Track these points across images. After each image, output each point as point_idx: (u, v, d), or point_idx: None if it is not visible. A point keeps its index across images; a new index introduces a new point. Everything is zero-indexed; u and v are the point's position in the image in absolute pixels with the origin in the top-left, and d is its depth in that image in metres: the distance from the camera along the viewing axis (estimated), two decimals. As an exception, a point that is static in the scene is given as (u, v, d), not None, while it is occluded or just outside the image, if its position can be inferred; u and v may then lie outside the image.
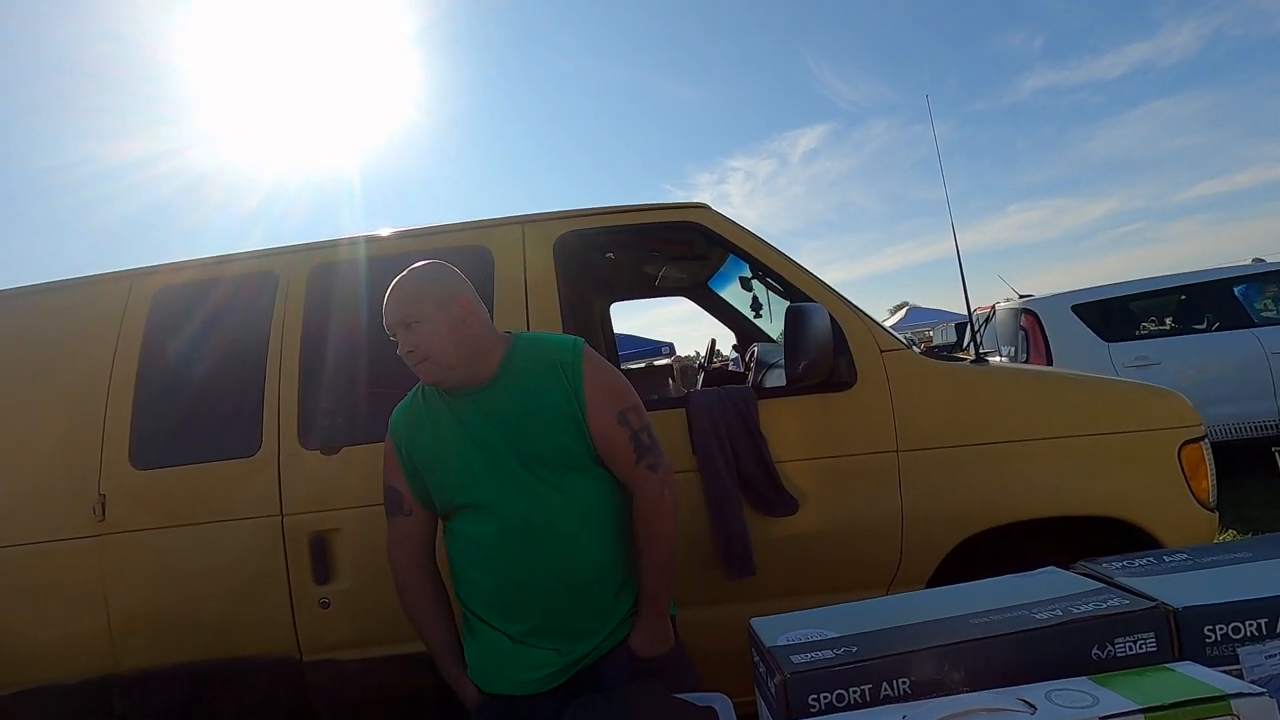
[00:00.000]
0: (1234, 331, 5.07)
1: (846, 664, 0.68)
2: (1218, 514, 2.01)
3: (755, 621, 0.83)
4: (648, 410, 1.49)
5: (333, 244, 2.19)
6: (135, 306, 2.14)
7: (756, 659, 0.79)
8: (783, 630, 0.79)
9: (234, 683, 1.93)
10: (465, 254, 2.15)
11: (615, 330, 4.27)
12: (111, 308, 2.14)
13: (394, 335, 1.33)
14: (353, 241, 2.19)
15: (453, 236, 2.18)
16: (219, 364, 2.11)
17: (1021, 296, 5.78)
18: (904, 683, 0.68)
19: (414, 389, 1.43)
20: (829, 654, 0.71)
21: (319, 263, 2.15)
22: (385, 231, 2.23)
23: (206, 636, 1.94)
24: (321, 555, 1.92)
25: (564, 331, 2.05)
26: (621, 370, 4.43)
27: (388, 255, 2.16)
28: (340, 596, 1.92)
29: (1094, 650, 0.69)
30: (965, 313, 3.16)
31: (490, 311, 2.05)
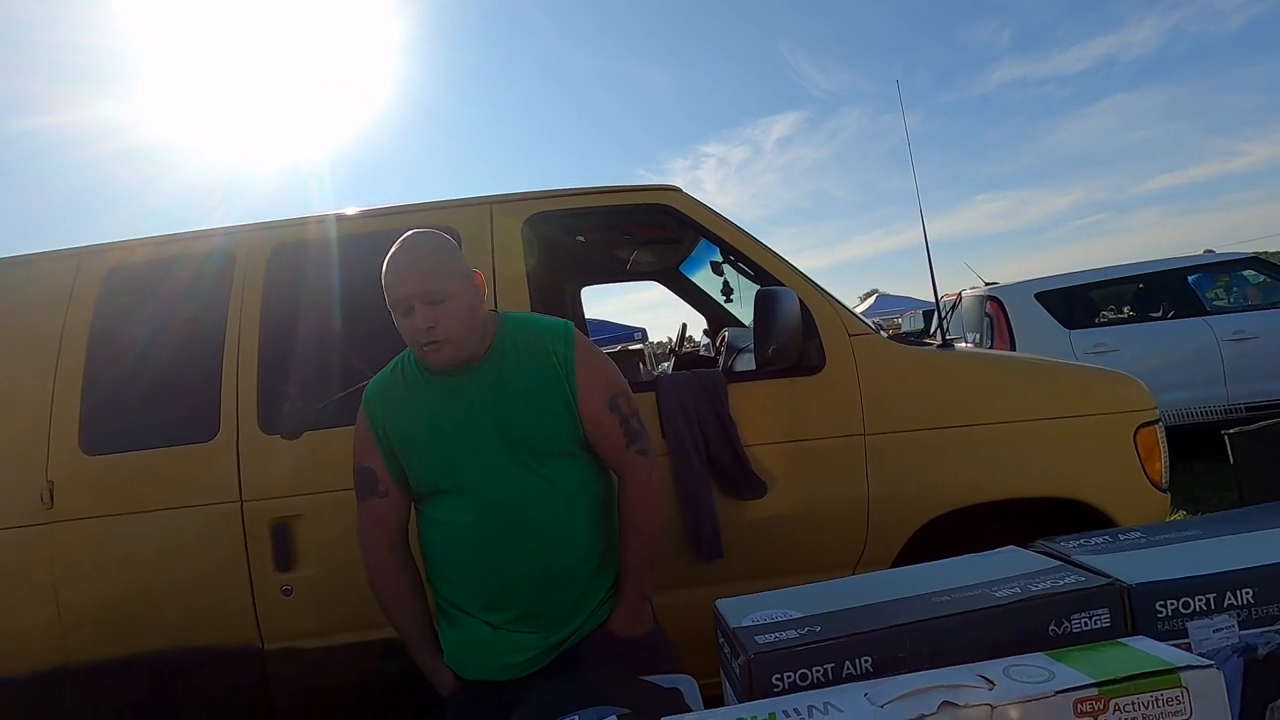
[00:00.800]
0: (1187, 320, 5.24)
1: (810, 644, 0.69)
2: (1169, 495, 2.08)
3: (720, 603, 0.83)
4: None
5: (294, 223, 2.12)
6: (84, 286, 2.05)
7: (721, 640, 0.79)
8: (747, 611, 0.79)
9: (192, 673, 1.88)
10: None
11: (588, 315, 4.24)
12: (58, 287, 2.05)
13: (406, 309, 1.21)
14: (317, 220, 2.13)
15: (418, 216, 2.12)
16: (174, 346, 2.03)
17: (987, 284, 5.90)
18: (866, 661, 0.69)
19: (393, 363, 1.36)
20: (792, 634, 0.71)
21: (279, 242, 2.08)
22: (350, 211, 2.17)
23: (163, 626, 1.89)
24: (284, 542, 1.88)
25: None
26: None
27: (352, 235, 2.10)
28: (303, 583, 1.88)
29: (1051, 626, 0.70)
30: (933, 300, 3.20)
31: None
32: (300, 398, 1.95)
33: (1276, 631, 0.70)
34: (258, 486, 1.90)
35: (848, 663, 0.68)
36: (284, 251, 2.08)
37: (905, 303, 20.71)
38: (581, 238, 3.07)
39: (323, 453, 1.89)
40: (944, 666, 0.65)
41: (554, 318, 1.38)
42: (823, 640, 0.69)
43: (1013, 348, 5.07)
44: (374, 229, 2.09)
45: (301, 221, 2.13)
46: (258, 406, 1.94)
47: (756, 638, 0.71)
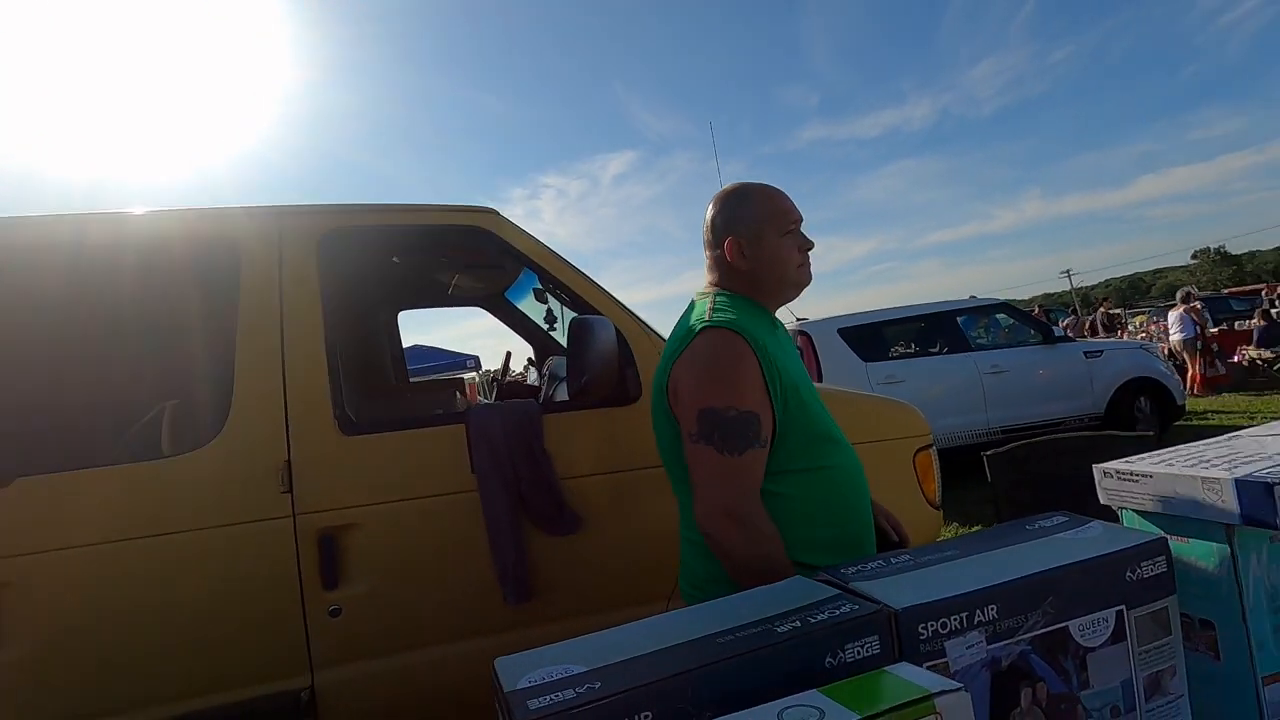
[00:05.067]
0: (957, 355, 6.05)
1: (586, 704, 0.62)
2: (942, 512, 2.32)
3: (499, 661, 0.74)
4: (428, 427, 1.41)
5: (11, 223, 1.74)
6: None
7: (497, 706, 0.70)
8: (528, 669, 0.71)
9: None
10: (204, 246, 1.83)
11: (417, 342, 3.98)
12: None
13: (794, 229, 1.25)
14: (42, 222, 1.75)
15: (189, 224, 1.83)
16: None
17: (799, 319, 6.41)
18: (647, 716, 0.64)
19: (724, 303, 1.19)
20: (570, 694, 0.64)
21: None
22: (99, 213, 1.82)
23: None
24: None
25: (328, 342, 1.82)
26: (409, 384, 4.08)
27: (89, 242, 1.76)
28: (8, 669, 1.50)
29: (827, 659, 0.70)
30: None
31: (235, 317, 1.77)
32: (10, 437, 1.58)
33: (1015, 643, 0.75)
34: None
35: (626, 720, 0.63)
36: None
37: (731, 336, 22.00)
38: (396, 259, 2.86)
39: (39, 502, 1.54)
40: (729, 712, 0.62)
41: None
42: (600, 699, 0.63)
43: (820, 378, 5.52)
44: (123, 234, 1.78)
45: (21, 222, 1.74)
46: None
47: (528, 702, 0.63)
